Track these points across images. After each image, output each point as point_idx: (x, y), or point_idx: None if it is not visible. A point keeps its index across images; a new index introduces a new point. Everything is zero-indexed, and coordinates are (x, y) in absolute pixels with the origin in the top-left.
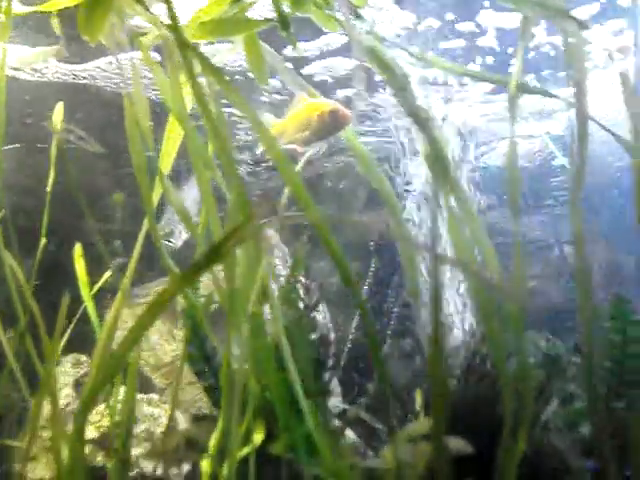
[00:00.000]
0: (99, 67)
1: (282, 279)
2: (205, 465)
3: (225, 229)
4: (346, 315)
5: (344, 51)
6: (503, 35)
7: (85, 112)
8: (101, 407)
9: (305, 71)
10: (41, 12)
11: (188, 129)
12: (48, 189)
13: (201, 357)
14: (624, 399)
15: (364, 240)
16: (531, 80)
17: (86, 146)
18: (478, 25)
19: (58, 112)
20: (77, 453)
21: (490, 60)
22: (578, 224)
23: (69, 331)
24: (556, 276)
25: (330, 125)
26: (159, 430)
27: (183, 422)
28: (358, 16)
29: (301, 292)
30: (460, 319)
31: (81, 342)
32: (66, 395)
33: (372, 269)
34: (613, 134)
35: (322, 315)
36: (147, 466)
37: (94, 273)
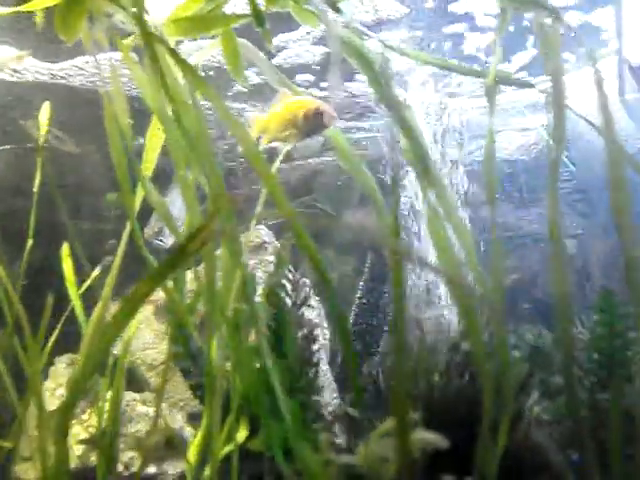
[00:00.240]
0: (76, 66)
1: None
2: (188, 462)
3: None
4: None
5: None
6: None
7: (69, 111)
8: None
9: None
10: (21, 12)
11: (168, 127)
12: (35, 189)
13: (186, 355)
14: (611, 392)
15: (360, 236)
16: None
17: (62, 146)
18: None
19: (44, 112)
20: (61, 450)
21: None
22: (554, 213)
23: (64, 331)
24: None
25: (315, 124)
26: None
27: (178, 420)
28: (337, 10)
29: (289, 289)
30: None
31: (77, 342)
32: (60, 395)
33: (368, 265)
34: (592, 124)
35: (316, 312)
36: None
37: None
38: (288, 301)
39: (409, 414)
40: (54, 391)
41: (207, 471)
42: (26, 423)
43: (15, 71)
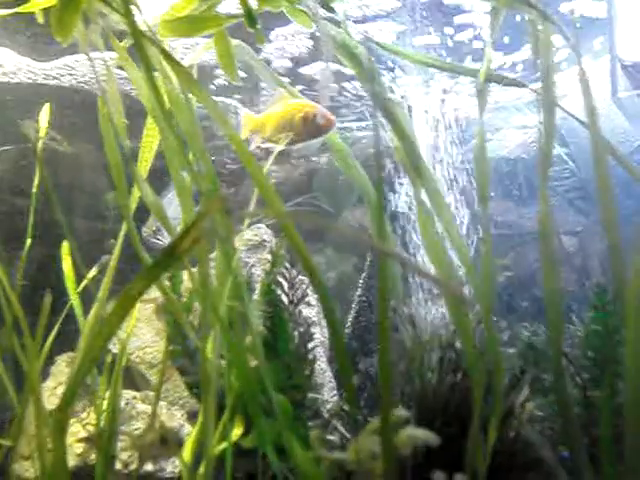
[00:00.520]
0: (68, 65)
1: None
2: (183, 460)
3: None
4: (344, 309)
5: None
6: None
7: (62, 111)
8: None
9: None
10: (18, 13)
11: (162, 127)
12: (34, 190)
13: (183, 354)
14: (603, 388)
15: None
16: None
17: (57, 146)
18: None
19: (44, 114)
20: (59, 448)
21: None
22: (545, 210)
23: (66, 330)
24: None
25: (314, 128)
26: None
27: (178, 419)
28: (329, 9)
29: (286, 286)
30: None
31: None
32: (61, 394)
33: (368, 263)
34: (581, 122)
35: (315, 310)
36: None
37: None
38: (285, 299)
39: (392, 412)
40: (54, 390)
41: (201, 469)
42: (26, 422)
43: (9, 72)
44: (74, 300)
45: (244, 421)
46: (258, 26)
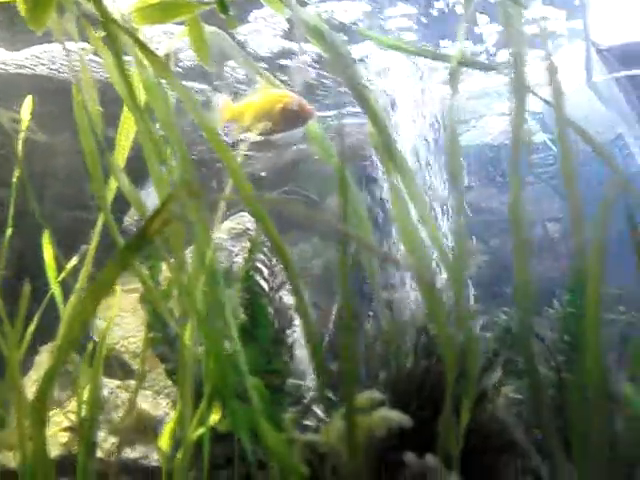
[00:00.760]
0: (34, 55)
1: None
2: (161, 445)
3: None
4: (329, 297)
5: None
6: None
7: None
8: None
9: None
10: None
11: (137, 116)
12: (14, 179)
13: (163, 341)
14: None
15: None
16: None
17: (32, 136)
18: None
19: (25, 106)
20: (39, 436)
21: None
22: (516, 193)
23: (49, 320)
24: (539, 253)
25: (293, 119)
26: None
27: (163, 407)
28: None
29: (265, 273)
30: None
31: None
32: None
33: (352, 251)
34: (551, 105)
35: None
36: (128, 452)
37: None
38: (265, 285)
39: (362, 395)
40: (37, 381)
41: (179, 454)
42: (9, 412)
43: None
44: (55, 289)
45: (222, 406)
46: (230, 13)
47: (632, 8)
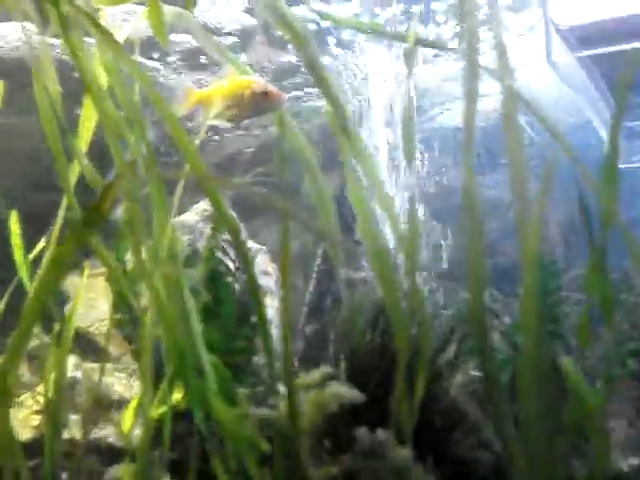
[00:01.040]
0: None
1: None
2: (124, 424)
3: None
4: (305, 278)
5: None
6: None
7: None
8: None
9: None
10: None
11: (97, 97)
12: None
13: (128, 322)
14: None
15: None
16: None
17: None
18: None
19: None
20: (2, 418)
21: None
22: (469, 177)
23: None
24: (512, 234)
25: (262, 105)
26: (112, 398)
27: (136, 389)
28: None
29: (232, 253)
30: None
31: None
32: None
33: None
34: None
35: (274, 279)
36: (97, 432)
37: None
38: (231, 265)
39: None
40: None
41: (140, 433)
42: None
43: None
44: (22, 272)
45: (184, 385)
46: None
47: None
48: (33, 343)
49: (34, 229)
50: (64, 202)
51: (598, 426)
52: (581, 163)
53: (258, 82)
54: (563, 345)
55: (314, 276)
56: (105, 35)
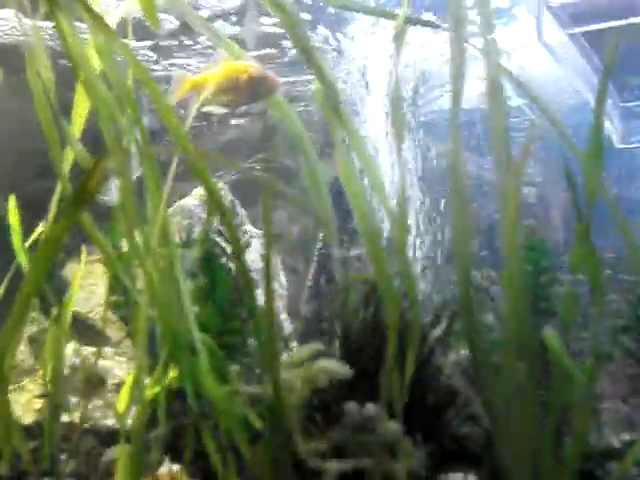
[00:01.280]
0: None
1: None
2: (120, 402)
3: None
4: (306, 262)
5: None
6: None
7: None
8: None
9: None
10: None
11: (90, 82)
12: None
13: (124, 304)
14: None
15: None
16: None
17: None
18: None
19: None
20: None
21: None
22: (456, 157)
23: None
24: None
25: (260, 90)
26: (111, 382)
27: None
28: None
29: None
30: None
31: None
32: (20, 351)
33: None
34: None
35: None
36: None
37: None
38: (227, 247)
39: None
40: None
41: (136, 415)
42: None
43: None
44: (21, 256)
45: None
46: None
47: None
48: (34, 328)
49: (33, 215)
50: (59, 187)
51: (581, 402)
52: (570, 141)
53: (254, 67)
54: (556, 324)
55: (315, 259)
56: (96, 18)
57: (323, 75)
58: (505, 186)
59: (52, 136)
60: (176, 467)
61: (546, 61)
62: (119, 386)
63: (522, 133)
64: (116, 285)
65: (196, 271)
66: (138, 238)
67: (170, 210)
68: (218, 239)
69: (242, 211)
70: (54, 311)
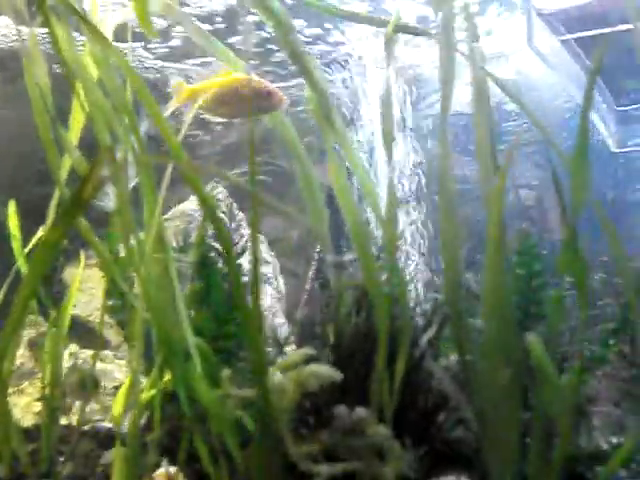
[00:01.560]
0: None
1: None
2: (115, 408)
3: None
4: (305, 266)
5: None
6: None
7: None
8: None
9: None
10: None
11: (87, 89)
12: None
13: (121, 308)
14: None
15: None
16: None
17: None
18: None
19: None
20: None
21: None
22: (444, 162)
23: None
24: (510, 219)
25: (262, 105)
26: (111, 385)
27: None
28: None
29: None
30: None
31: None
32: (20, 355)
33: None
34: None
35: (271, 266)
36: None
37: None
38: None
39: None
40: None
41: (131, 418)
42: None
43: None
44: (20, 262)
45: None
46: None
47: None
48: (33, 332)
49: (32, 221)
50: (56, 193)
51: (564, 406)
52: (555, 144)
53: (259, 81)
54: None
55: (313, 263)
56: (91, 28)
57: (314, 82)
58: (489, 190)
59: (49, 142)
60: (173, 469)
61: (541, 66)
62: (118, 389)
63: (520, 136)
64: (113, 289)
65: (192, 275)
66: (134, 243)
67: (169, 214)
68: (214, 243)
69: (240, 214)
70: (53, 313)
